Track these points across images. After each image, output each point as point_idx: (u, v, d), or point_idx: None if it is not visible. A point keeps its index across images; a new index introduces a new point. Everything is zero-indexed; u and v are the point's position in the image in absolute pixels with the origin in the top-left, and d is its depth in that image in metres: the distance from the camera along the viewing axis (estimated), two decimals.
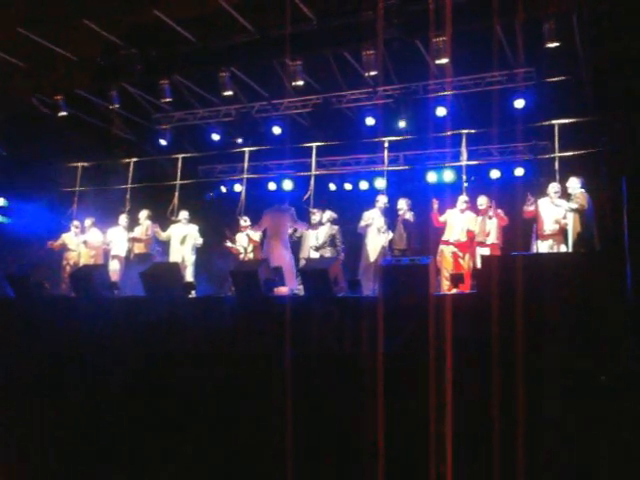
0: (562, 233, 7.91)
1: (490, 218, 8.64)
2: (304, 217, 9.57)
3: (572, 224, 7.77)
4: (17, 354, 7.38)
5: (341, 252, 8.93)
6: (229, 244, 9.46)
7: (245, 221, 9.53)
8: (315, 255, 8.94)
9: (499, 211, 8.62)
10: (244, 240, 9.51)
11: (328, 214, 9.21)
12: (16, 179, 11.28)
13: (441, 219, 8.75)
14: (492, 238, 8.60)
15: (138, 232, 9.78)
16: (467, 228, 8.55)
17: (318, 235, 9.12)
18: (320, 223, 9.21)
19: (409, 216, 8.91)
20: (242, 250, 9.39)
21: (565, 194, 8.06)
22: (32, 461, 6.88)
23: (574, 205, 7.75)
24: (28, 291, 7.85)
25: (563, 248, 7.84)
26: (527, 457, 4.67)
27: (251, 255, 9.36)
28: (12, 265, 8.90)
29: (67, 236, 10.02)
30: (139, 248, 9.71)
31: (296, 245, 9.55)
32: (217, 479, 6.09)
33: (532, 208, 8.04)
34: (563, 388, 4.77)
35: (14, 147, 11.26)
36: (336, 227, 9.10)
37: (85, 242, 9.82)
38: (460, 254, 8.51)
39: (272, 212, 9.36)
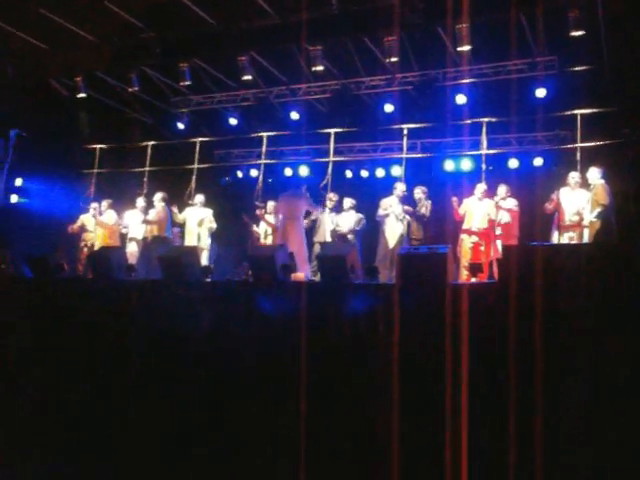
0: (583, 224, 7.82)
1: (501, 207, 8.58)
2: (320, 203, 9.44)
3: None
4: (34, 334, 7.43)
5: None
6: (255, 228, 9.58)
7: (261, 209, 9.46)
8: (329, 239, 8.96)
9: (508, 203, 8.53)
10: (262, 224, 9.58)
11: (349, 201, 9.17)
12: (35, 160, 11.33)
13: (461, 212, 8.60)
14: (502, 229, 8.56)
15: (152, 215, 9.75)
16: (488, 214, 8.46)
17: (339, 222, 9.08)
18: (336, 209, 9.22)
19: (424, 210, 8.86)
20: (262, 234, 9.45)
21: (585, 184, 7.99)
22: (42, 447, 6.91)
23: (597, 210, 7.61)
24: (46, 272, 7.90)
25: (584, 239, 7.70)
26: (545, 457, 4.65)
27: (270, 239, 9.38)
28: (31, 245, 8.94)
29: (85, 217, 10.07)
30: (152, 231, 9.63)
31: (311, 228, 9.37)
32: (224, 468, 6.10)
33: (551, 207, 8.00)
34: (582, 381, 4.75)
35: (33, 128, 11.30)
36: (361, 215, 9.09)
37: (95, 217, 9.80)
38: (481, 242, 8.40)
39: (287, 197, 8.97)
